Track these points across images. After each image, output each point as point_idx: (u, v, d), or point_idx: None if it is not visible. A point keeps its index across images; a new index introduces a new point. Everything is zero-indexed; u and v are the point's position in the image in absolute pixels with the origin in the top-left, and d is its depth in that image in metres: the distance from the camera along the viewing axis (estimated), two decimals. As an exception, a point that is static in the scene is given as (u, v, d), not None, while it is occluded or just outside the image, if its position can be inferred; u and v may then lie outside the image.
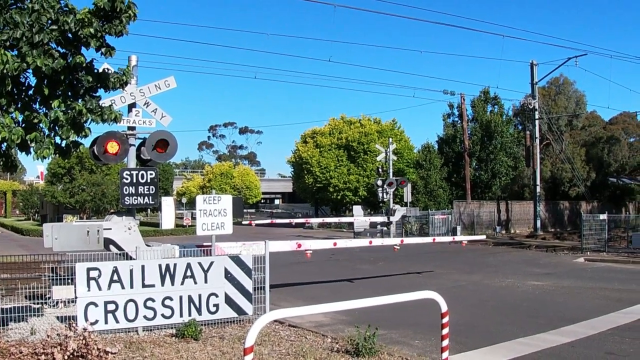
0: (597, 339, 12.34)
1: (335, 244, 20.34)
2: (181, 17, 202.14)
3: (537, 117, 48.72)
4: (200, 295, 12.69)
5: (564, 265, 26.83)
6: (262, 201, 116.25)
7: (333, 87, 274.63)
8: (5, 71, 7.63)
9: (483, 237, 33.71)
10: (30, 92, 9.78)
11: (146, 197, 14.68)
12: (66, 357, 9.35)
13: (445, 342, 8.62)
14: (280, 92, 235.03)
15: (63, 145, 10.09)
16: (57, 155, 10.34)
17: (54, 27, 9.31)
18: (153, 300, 12.22)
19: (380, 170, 51.00)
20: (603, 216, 32.34)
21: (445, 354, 8.64)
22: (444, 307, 8.49)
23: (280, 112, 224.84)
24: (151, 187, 14.71)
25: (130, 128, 15.10)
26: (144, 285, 12.15)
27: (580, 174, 57.80)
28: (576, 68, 51.87)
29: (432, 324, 11.50)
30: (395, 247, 23.07)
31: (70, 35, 9.50)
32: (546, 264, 26.99)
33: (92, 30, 9.40)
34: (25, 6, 9.29)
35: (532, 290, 19.09)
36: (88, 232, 13.70)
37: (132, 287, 12.04)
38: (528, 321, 14.23)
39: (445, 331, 8.59)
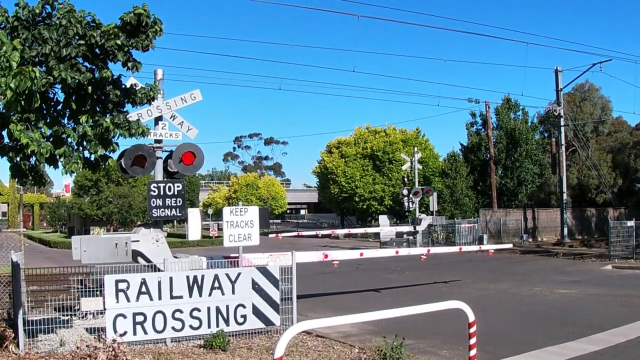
0: (626, 347, 12.24)
1: (361, 254, 20.26)
2: (205, 30, 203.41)
3: (562, 123, 48.46)
4: (227, 306, 12.73)
5: (591, 272, 26.62)
6: (288, 211, 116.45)
7: (357, 97, 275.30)
8: (34, 87, 7.73)
9: (509, 245, 33.39)
10: (59, 107, 9.91)
11: (173, 209, 14.80)
12: (96, 369, 9.46)
13: (473, 352, 8.60)
14: (304, 102, 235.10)
15: (92, 159, 10.23)
16: (87, 169, 10.48)
17: (81, 41, 9.44)
18: (181, 312, 12.28)
19: (405, 179, 50.89)
20: (630, 223, 31.97)
21: (472, 364, 8.63)
22: (471, 317, 8.48)
23: (305, 123, 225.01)
24: (178, 199, 14.84)
25: (157, 141, 15.22)
26: (172, 297, 12.22)
27: (607, 181, 57.40)
28: (601, 74, 51.48)
29: (460, 334, 11.48)
30: (421, 256, 22.97)
31: (97, 49, 9.64)
32: (573, 272, 26.80)
33: (118, 42, 9.54)
34: (53, 22, 9.43)
35: (559, 299, 18.97)
36: (116, 244, 13.82)
37: (160, 298, 12.11)
38: (556, 329, 14.15)
39: (472, 341, 8.58)
